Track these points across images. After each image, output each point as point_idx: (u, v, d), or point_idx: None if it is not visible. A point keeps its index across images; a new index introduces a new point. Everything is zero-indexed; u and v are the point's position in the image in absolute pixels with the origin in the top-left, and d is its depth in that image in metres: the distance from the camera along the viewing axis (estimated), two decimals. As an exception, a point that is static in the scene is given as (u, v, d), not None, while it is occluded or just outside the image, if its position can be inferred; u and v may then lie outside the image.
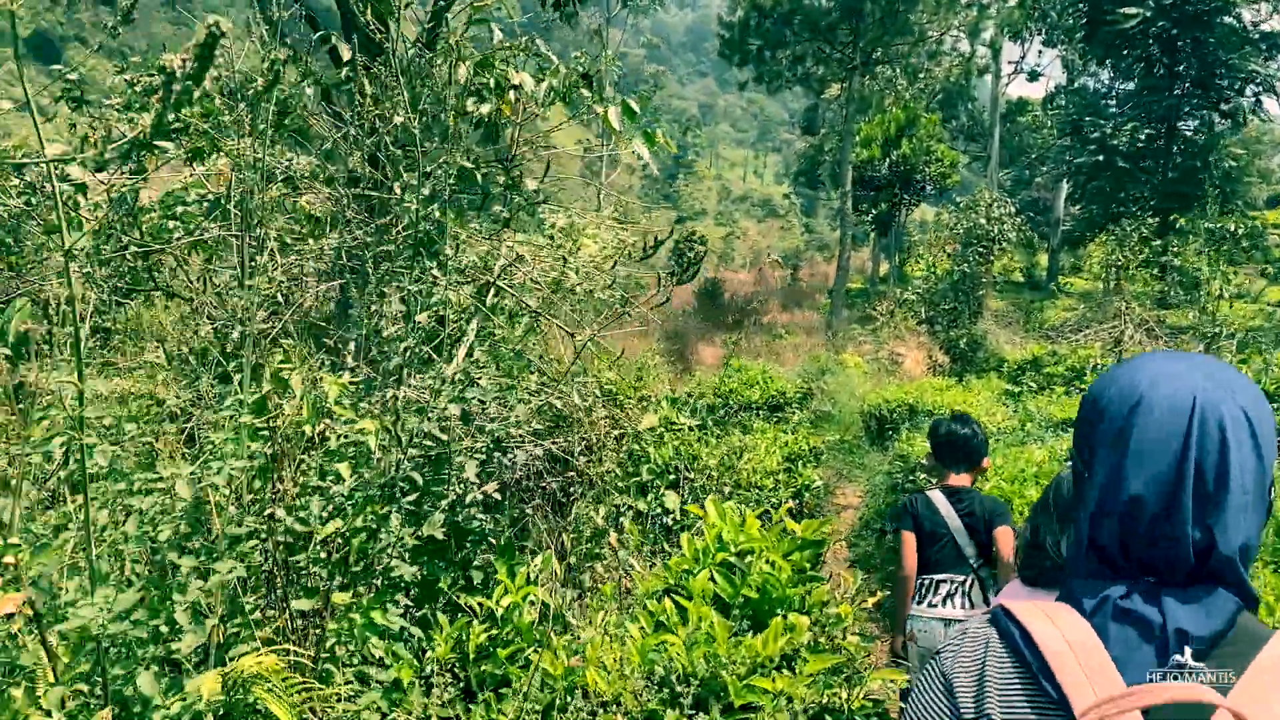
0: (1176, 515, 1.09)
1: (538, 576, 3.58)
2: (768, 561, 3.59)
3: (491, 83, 4.13)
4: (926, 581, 4.07)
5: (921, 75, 33.26)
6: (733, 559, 3.66)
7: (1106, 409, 1.19)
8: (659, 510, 4.92)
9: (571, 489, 5.08)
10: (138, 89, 4.42)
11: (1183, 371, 1.16)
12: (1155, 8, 26.11)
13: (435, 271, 3.51)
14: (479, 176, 4.20)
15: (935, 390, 13.53)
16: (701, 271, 47.02)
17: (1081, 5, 29.14)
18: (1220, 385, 1.13)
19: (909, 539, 4.10)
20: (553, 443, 4.87)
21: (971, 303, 20.25)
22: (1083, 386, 13.44)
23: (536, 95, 4.21)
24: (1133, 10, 26.12)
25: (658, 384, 13.45)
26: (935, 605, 4.00)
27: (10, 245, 5.26)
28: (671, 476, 5.66)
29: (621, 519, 4.73)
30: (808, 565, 3.74)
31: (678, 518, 4.90)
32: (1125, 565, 1.14)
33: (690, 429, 6.90)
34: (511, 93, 4.14)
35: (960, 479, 4.24)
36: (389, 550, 3.04)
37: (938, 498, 4.14)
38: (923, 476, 6.64)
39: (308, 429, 3.04)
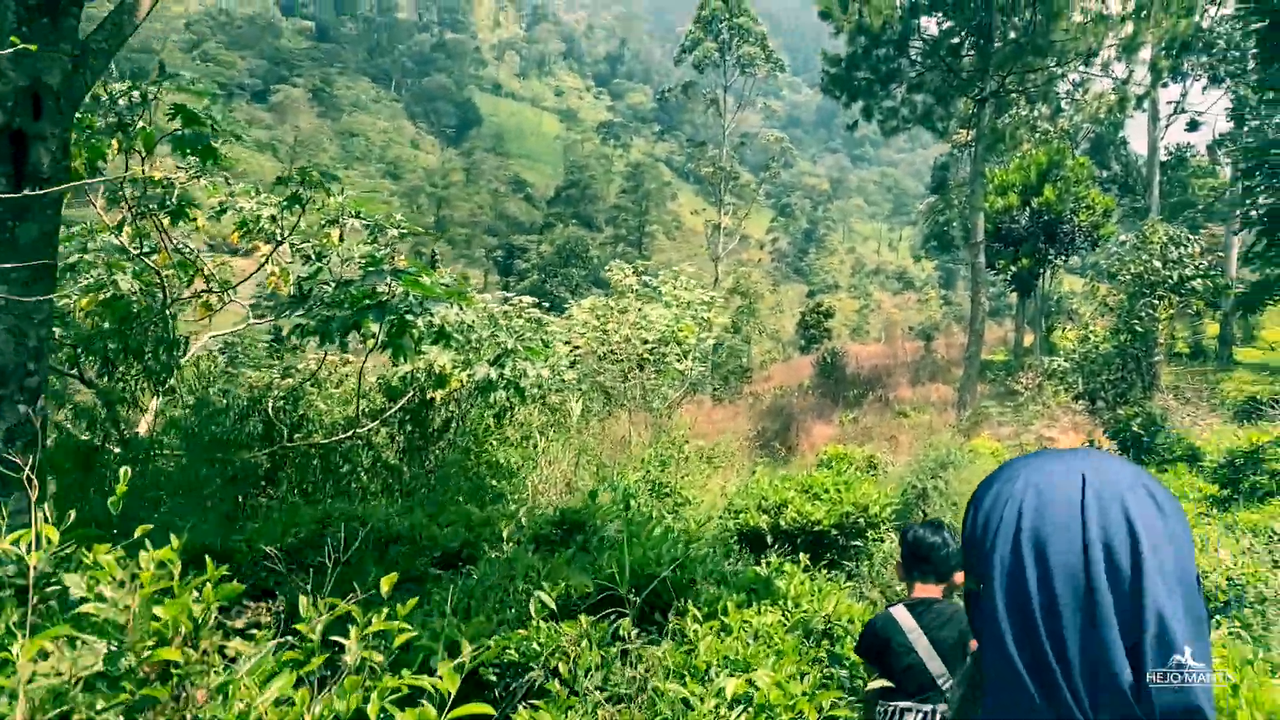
0: None
1: None
2: None
3: None
4: (889, 709, 3.43)
5: (1066, 110, 28.73)
6: None
7: None
8: None
9: None
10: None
11: None
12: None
13: None
14: None
15: (1103, 495, 9.29)
16: (824, 343, 43.08)
17: (1258, 21, 24.42)
18: None
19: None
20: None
21: (1145, 372, 15.65)
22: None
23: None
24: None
25: (696, 489, 9.71)
26: None
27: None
28: None
29: None
30: None
31: None
32: None
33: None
34: None
35: (928, 589, 3.62)
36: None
37: (900, 614, 3.52)
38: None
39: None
